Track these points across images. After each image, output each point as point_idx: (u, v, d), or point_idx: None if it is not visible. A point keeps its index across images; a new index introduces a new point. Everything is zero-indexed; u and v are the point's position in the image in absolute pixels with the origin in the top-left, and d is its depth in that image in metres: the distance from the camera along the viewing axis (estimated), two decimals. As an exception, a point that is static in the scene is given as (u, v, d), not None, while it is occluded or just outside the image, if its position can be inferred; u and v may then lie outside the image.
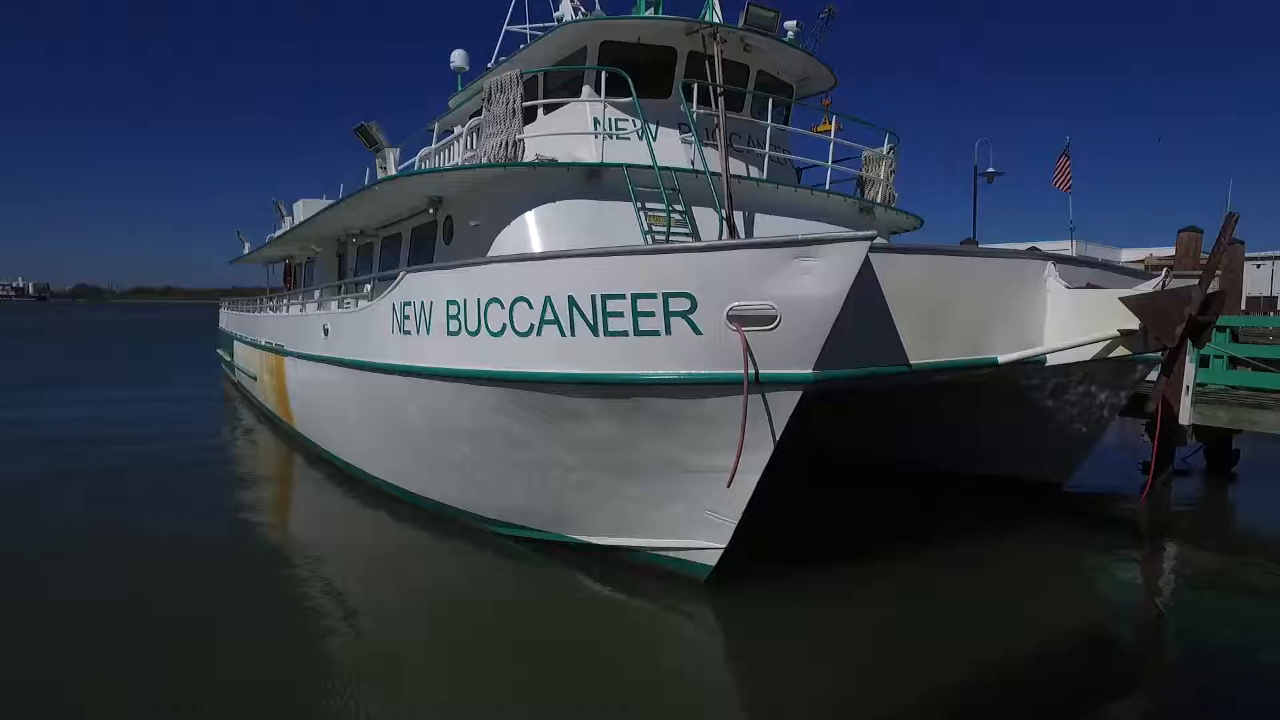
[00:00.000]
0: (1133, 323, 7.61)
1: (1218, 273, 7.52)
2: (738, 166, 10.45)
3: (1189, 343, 7.59)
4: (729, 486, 6.68)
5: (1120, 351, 7.91)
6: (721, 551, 7.10)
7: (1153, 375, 9.11)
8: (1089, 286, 8.33)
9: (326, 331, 11.59)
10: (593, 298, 6.61)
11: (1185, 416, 11.64)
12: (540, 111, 10.58)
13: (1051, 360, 8.19)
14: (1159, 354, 7.80)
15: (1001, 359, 7.93)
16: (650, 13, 10.77)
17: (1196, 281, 7.33)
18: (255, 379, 18.98)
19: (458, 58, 13.54)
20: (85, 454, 13.55)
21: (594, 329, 6.68)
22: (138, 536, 8.95)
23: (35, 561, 8.02)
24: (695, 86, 10.25)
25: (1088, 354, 8.03)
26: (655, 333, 6.44)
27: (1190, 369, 11.51)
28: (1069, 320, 8.10)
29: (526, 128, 9.94)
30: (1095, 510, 10.83)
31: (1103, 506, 11.03)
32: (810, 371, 6.24)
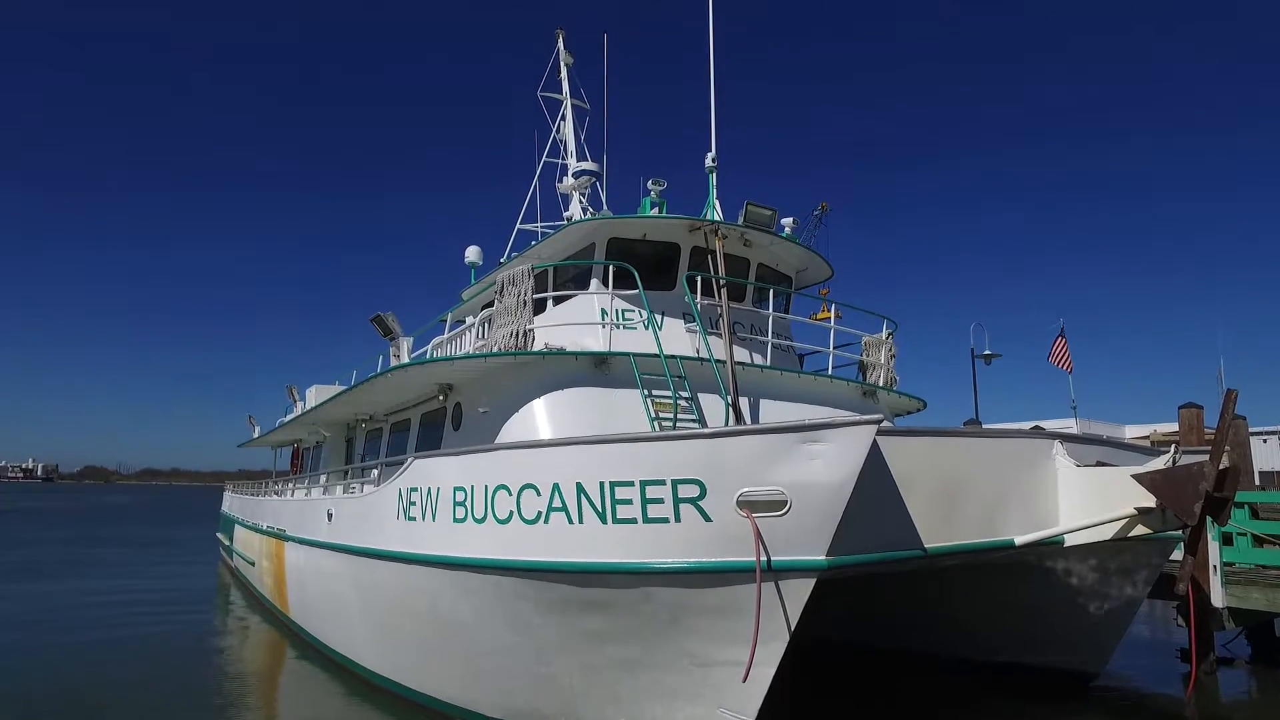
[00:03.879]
0: (1149, 500, 7.49)
1: (1226, 448, 7.50)
2: (741, 354, 10.76)
3: (1210, 520, 7.43)
4: (745, 681, 6.32)
5: (1140, 530, 7.72)
6: (739, 755, 6.58)
7: (1177, 554, 8.83)
8: (1099, 464, 8.28)
9: (330, 516, 11.46)
10: (601, 485, 6.59)
11: (1218, 598, 11.14)
12: (550, 303, 11.08)
13: (1070, 541, 7.98)
14: (1180, 532, 7.61)
15: (1018, 541, 7.74)
16: (655, 212, 11.54)
17: (1207, 457, 7.29)
18: (253, 564, 18.52)
19: (472, 253, 14.39)
20: (72, 642, 12.99)
21: (602, 516, 6.61)
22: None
23: None
24: (699, 278, 10.77)
25: (1106, 533, 7.84)
26: (664, 520, 6.36)
27: (1215, 547, 11.17)
28: (1083, 499, 7.97)
29: (536, 318, 10.36)
30: (1136, 704, 10.10)
31: (1144, 700, 10.31)
32: (824, 558, 6.10)
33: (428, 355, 13.41)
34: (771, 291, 11.67)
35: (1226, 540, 11.66)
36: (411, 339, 13.34)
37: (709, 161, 12.24)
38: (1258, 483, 19.28)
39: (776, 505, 6.05)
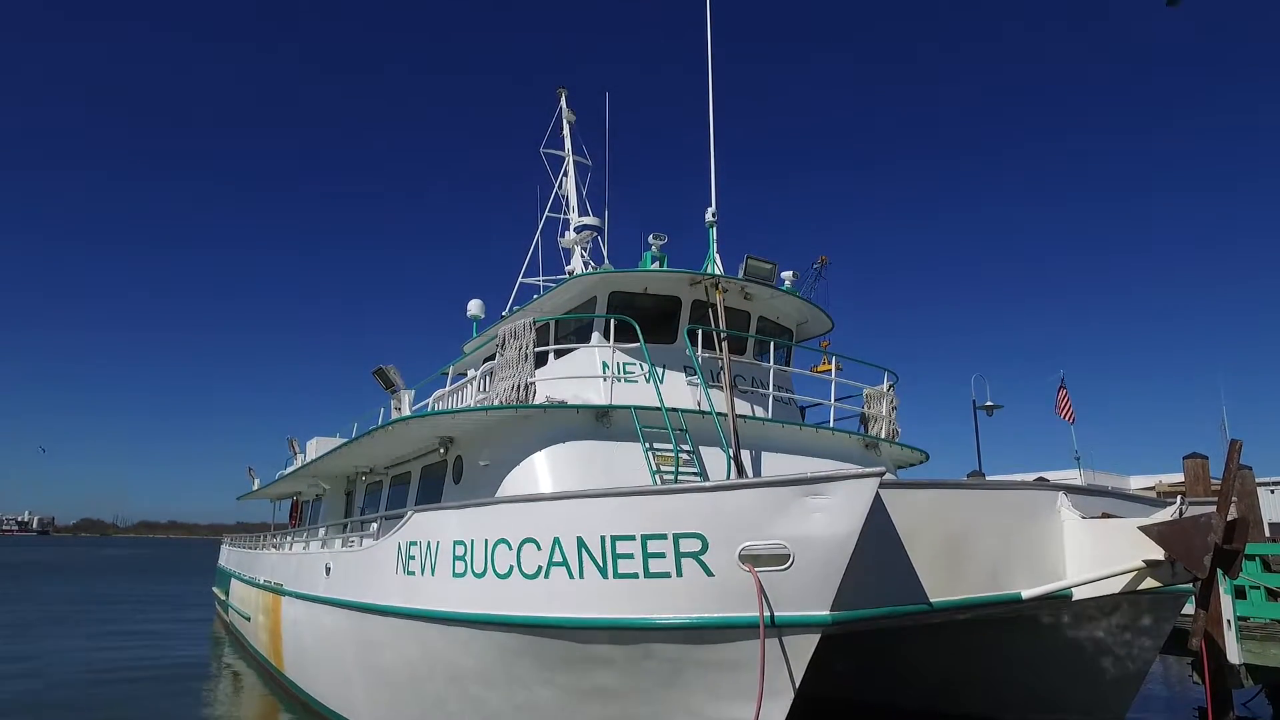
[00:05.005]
0: (1157, 552, 7.40)
1: (1233, 499, 7.44)
2: (743, 407, 10.74)
3: (1221, 573, 7.32)
4: (751, 742, 6.17)
5: (1149, 583, 7.61)
6: (744, 822, 6.38)
7: (1189, 608, 8.68)
8: (1104, 516, 8.20)
9: (328, 571, 11.33)
10: (602, 539, 6.54)
11: (1234, 654, 10.89)
12: (551, 356, 11.12)
13: (1078, 594, 7.86)
14: (1190, 585, 7.50)
15: (1025, 594, 7.63)
16: (656, 266, 11.65)
17: (1214, 508, 7.23)
18: (248, 619, 18.22)
19: (474, 306, 14.48)
20: (55, 700, 12.71)
21: (603, 571, 6.54)
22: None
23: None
24: (699, 332, 10.82)
25: (1115, 586, 7.73)
26: (666, 574, 6.30)
27: (1228, 601, 10.96)
28: (1090, 551, 7.88)
29: (538, 371, 10.38)
30: (1155, 766, 9.79)
31: (1163, 761, 9.99)
32: (828, 613, 6.02)
33: (429, 408, 13.42)
34: (772, 344, 11.72)
35: (1239, 594, 11.46)
36: (413, 392, 13.36)
37: (709, 216, 12.39)
38: (1268, 534, 19.02)
39: (779, 559, 5.99)
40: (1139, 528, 7.49)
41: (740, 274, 11.32)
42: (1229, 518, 7.13)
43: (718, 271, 11.78)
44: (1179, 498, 8.73)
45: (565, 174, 16.10)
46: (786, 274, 12.53)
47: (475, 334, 14.22)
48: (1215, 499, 7.43)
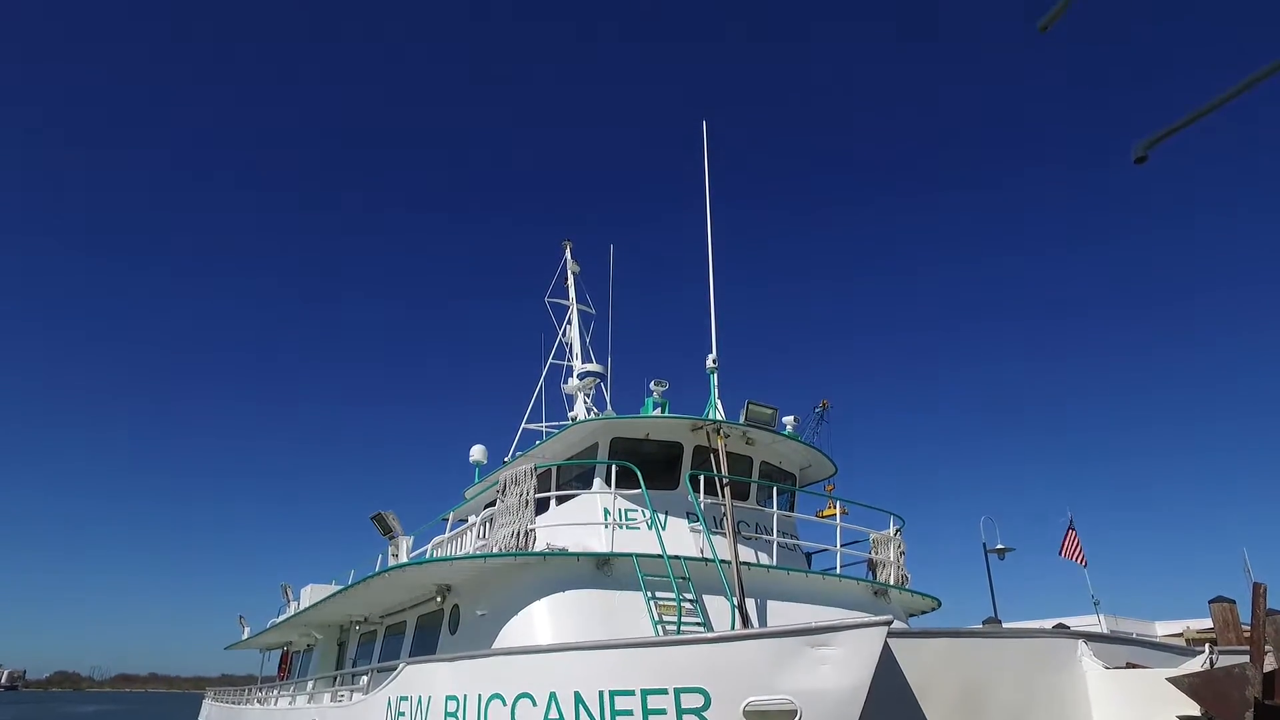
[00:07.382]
0: (1191, 707, 6.97)
1: (1268, 648, 7.09)
2: (747, 554, 10.53)
3: (1268, 733, 6.86)
4: None
5: (1186, 745, 7.13)
6: None
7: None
8: (1129, 666, 7.81)
9: (314, 732, 10.73)
10: (600, 694, 6.27)
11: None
12: (553, 502, 11.03)
13: (1111, 758, 7.35)
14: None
15: (1053, 756, 7.14)
16: (657, 412, 11.75)
17: (1247, 658, 6.88)
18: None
19: (477, 452, 14.50)
20: None
21: (602, 731, 6.20)
22: None
23: None
24: (701, 478, 10.77)
25: (1150, 747, 7.24)
26: (668, 734, 5.96)
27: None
28: (1118, 706, 7.43)
29: (539, 518, 10.27)
30: None
31: None
32: (840, 777, 5.63)
33: (427, 555, 13.16)
34: (775, 489, 11.62)
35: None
36: (411, 538, 13.16)
37: (710, 363, 12.61)
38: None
39: (786, 716, 5.70)
40: (1168, 679, 7.11)
41: (741, 419, 11.38)
42: (1266, 669, 6.77)
43: (719, 417, 11.85)
44: (1208, 645, 8.33)
45: (569, 322, 16.62)
46: (788, 419, 12.60)
47: (477, 479, 14.16)
48: (1248, 647, 7.09)
